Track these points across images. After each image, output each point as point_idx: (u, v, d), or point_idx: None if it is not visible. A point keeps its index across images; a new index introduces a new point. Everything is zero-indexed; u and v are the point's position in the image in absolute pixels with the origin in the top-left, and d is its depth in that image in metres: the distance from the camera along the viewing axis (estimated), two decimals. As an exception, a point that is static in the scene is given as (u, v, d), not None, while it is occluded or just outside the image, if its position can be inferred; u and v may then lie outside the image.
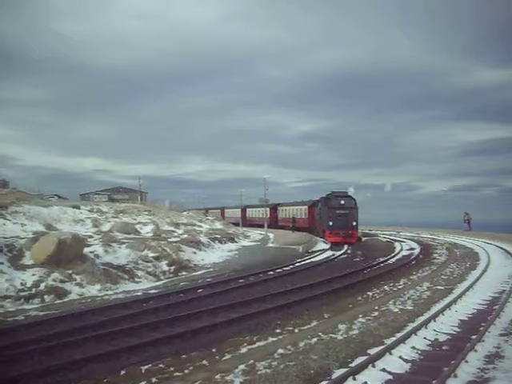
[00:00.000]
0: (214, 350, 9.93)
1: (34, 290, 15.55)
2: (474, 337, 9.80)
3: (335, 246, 35.29)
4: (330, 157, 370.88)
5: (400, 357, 8.61)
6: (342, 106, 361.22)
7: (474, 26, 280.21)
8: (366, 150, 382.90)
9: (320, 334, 10.30)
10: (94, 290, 17.10)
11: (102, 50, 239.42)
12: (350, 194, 41.44)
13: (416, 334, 10.07)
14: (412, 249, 34.69)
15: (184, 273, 22.24)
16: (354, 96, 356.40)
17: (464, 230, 55.51)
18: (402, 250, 33.62)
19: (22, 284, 15.63)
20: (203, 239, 31.23)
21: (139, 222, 33.74)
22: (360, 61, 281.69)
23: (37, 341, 10.30)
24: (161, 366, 8.99)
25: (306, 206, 50.08)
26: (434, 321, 11.33)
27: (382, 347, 9.02)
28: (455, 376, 7.57)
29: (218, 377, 7.75)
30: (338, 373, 7.68)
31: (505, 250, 30.51)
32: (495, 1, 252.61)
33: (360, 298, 15.72)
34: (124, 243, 23.43)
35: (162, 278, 20.84)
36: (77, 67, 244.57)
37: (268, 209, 57.21)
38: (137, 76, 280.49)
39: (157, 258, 22.52)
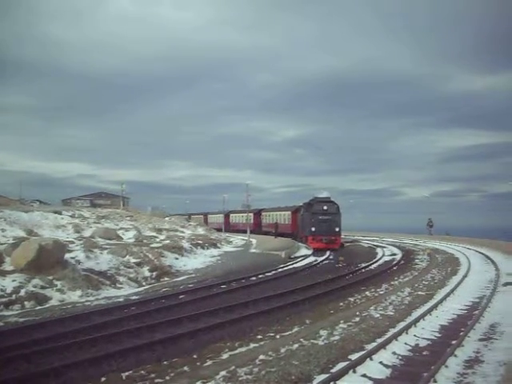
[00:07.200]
0: (195, 356, 9.89)
1: (13, 296, 15.35)
2: (453, 342, 9.90)
3: (318, 251, 35.38)
4: (315, 163, 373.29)
5: (381, 362, 8.66)
6: (328, 112, 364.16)
7: (461, 35, 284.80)
8: (352, 156, 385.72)
9: (301, 339, 10.31)
10: (75, 296, 16.94)
11: (87, 54, 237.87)
12: (328, 197, 41.33)
13: (397, 340, 10.13)
14: (394, 254, 34.99)
15: (166, 278, 22.12)
16: (341, 102, 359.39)
17: (428, 234, 57.60)
18: (383, 255, 33.90)
19: (1, 290, 15.42)
20: (185, 245, 31.12)
21: (121, 228, 33.55)
22: (348, 67, 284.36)
23: (16, 348, 10.17)
24: (142, 372, 8.93)
25: (289, 212, 50.13)
26: (415, 326, 11.41)
27: (362, 353, 9.06)
28: (435, 381, 7.64)
29: (199, 383, 7.73)
30: (318, 378, 7.70)
31: (485, 255, 30.93)
32: (482, 10, 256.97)
33: (341, 304, 15.77)
34: (106, 249, 23.27)
35: (144, 283, 20.72)
36: (61, 72, 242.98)
37: (252, 214, 57.17)
38: (122, 81, 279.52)
39: (138, 264, 22.40)
